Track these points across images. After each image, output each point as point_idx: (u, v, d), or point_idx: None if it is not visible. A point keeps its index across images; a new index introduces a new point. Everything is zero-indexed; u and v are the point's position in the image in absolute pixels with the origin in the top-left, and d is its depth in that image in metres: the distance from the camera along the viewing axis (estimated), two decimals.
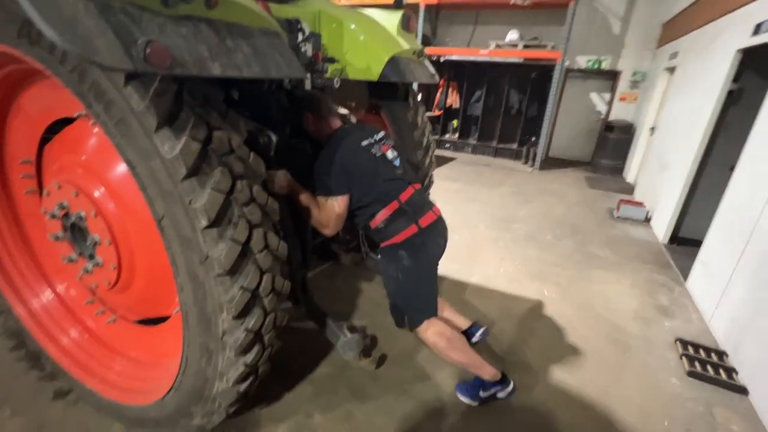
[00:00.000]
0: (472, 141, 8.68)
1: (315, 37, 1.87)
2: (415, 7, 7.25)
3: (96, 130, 1.46)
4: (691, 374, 2.28)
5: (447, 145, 8.93)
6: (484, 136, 8.62)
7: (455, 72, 8.50)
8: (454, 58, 8.04)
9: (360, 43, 2.18)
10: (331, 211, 1.72)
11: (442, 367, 2.18)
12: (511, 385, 1.93)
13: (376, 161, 1.78)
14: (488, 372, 1.91)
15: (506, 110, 8.29)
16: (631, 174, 6.93)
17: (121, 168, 1.37)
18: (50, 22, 0.80)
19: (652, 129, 6.13)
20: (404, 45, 2.36)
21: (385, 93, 2.65)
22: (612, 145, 7.39)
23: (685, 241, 4.15)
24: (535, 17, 7.73)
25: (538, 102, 7.98)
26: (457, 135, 8.88)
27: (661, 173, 4.89)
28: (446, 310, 2.29)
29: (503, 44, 7.40)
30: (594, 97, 8.26)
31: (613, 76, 7.81)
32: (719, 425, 1.97)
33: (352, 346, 1.92)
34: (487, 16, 8.27)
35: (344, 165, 1.71)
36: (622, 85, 7.71)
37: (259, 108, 1.76)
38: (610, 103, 7.98)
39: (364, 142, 1.81)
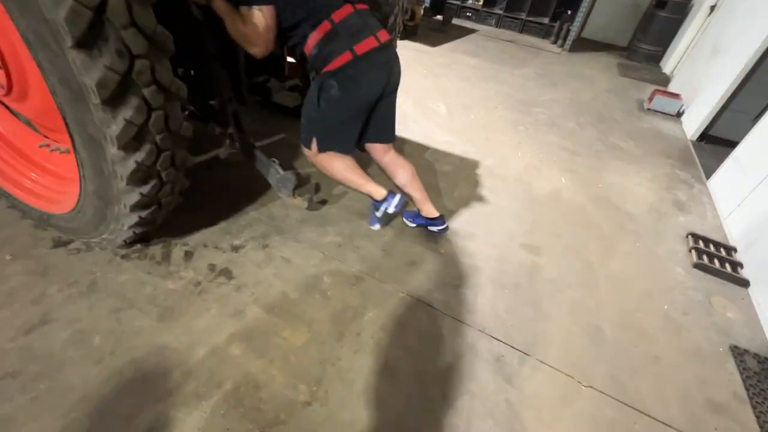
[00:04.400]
0: (498, 11, 7.53)
1: None
2: None
3: None
4: (698, 266, 2.28)
5: (468, 14, 7.77)
6: (512, 5, 7.43)
7: None
8: None
9: None
10: (257, 23, 1.49)
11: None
12: (396, 198, 1.93)
13: None
14: (375, 191, 1.93)
15: None
16: (670, 64, 6.18)
17: None
18: None
19: (713, 7, 5.24)
20: None
21: None
22: (657, 26, 6.42)
23: (714, 140, 3.87)
24: None
25: None
26: (481, 2, 7.65)
27: (711, 60, 4.31)
28: (417, 191, 2.02)
29: None
30: None
31: None
32: (716, 312, 2.02)
33: (286, 183, 1.91)
34: None
35: None
36: None
37: None
38: None
39: None
